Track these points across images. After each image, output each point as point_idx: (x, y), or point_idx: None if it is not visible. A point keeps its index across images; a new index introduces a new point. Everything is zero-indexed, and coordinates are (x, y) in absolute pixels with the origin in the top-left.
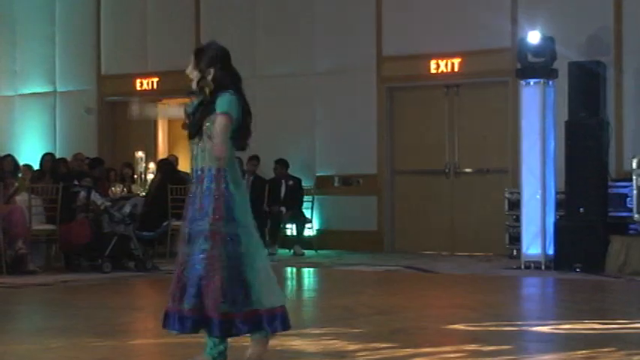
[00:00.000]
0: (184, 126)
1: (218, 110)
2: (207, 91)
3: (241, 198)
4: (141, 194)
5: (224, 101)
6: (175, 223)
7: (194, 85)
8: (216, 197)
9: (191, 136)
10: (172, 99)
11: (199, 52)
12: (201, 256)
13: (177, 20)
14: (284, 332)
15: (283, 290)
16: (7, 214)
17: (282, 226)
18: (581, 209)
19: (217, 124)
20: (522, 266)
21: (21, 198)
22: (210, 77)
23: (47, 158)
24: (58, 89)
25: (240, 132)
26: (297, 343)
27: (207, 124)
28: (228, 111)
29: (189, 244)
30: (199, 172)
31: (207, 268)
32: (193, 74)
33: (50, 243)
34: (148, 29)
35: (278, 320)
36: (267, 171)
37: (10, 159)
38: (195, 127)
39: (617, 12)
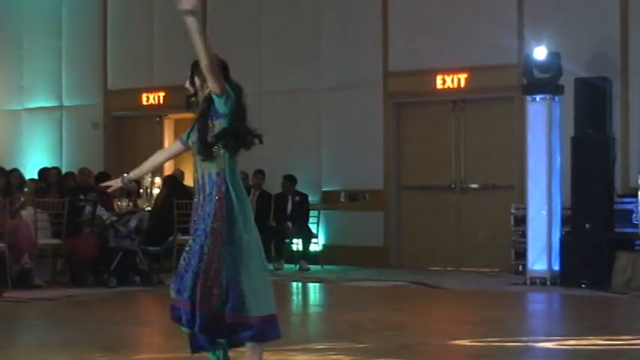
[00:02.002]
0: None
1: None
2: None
3: (242, 203)
4: (147, 209)
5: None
6: (181, 237)
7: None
8: (218, 199)
9: (204, 155)
10: (178, 114)
11: (195, 66)
12: (203, 252)
13: (183, 35)
14: (281, 345)
15: (274, 300)
16: (13, 228)
17: (288, 241)
18: (587, 225)
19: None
20: (528, 282)
21: (27, 212)
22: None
23: (53, 172)
24: (65, 104)
25: (230, 133)
26: (302, 358)
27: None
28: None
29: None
30: (200, 182)
31: (207, 265)
32: (191, 89)
33: (56, 257)
34: (154, 44)
35: (269, 328)
36: (273, 186)
37: (16, 173)
38: (204, 144)
39: (623, 28)
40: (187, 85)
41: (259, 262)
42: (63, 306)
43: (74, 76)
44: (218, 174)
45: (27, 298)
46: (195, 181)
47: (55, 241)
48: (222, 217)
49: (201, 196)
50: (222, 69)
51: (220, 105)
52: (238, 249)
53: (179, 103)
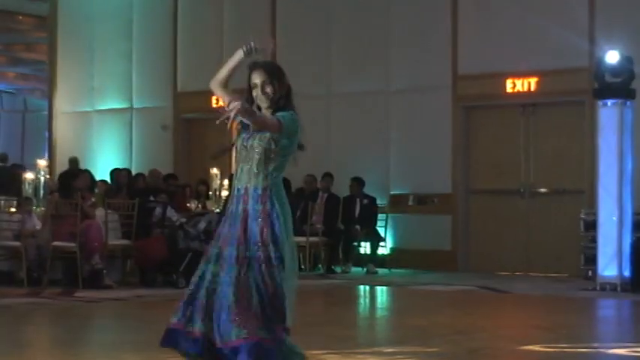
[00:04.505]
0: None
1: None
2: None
3: (286, 217)
4: (215, 211)
5: (286, 116)
6: None
7: (266, 103)
8: (263, 218)
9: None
10: None
11: (272, 68)
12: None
13: (253, 38)
14: (350, 348)
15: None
16: (85, 229)
17: (356, 244)
18: None
19: (269, 118)
20: (598, 288)
21: (98, 213)
22: (277, 95)
23: (123, 173)
24: (135, 105)
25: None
26: None
27: (255, 141)
28: (285, 122)
29: (224, 265)
30: (242, 191)
31: (243, 293)
32: (269, 89)
33: (126, 258)
34: (224, 47)
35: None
36: (341, 189)
37: (87, 174)
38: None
39: None
40: (265, 82)
41: (295, 276)
42: (133, 306)
43: (144, 78)
44: (264, 189)
45: (97, 298)
46: (235, 189)
47: (125, 241)
48: (268, 239)
49: (239, 208)
50: (288, 92)
51: (282, 138)
52: (282, 270)
53: None
